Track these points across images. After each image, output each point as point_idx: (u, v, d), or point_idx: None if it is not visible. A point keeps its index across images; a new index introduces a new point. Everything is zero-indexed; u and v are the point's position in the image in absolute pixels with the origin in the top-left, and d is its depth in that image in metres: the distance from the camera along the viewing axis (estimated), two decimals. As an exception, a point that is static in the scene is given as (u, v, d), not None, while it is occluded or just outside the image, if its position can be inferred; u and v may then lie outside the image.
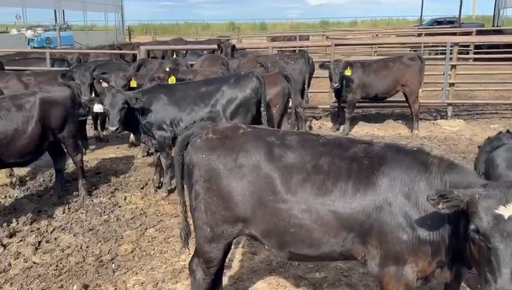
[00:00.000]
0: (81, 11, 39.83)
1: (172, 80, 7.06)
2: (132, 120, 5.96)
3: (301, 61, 8.86)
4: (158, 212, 5.70)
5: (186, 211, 3.32)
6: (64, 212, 5.68)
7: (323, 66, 9.09)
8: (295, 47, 16.49)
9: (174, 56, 11.19)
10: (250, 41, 28.32)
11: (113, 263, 4.50)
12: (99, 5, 41.34)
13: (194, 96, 6.06)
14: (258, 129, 3.29)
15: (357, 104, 9.64)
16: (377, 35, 26.49)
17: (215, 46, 11.32)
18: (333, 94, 10.09)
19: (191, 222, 3.25)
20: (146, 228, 5.26)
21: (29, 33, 28.82)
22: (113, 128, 5.77)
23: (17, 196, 6.24)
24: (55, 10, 37.65)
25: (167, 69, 7.09)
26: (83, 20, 41.37)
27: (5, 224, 5.29)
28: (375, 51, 20.02)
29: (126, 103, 5.70)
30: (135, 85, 7.16)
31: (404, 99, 9.61)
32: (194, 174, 3.01)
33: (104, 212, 5.70)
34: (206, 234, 3.04)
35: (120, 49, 15.74)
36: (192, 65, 9.38)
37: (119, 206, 5.90)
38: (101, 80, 7.55)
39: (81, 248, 4.79)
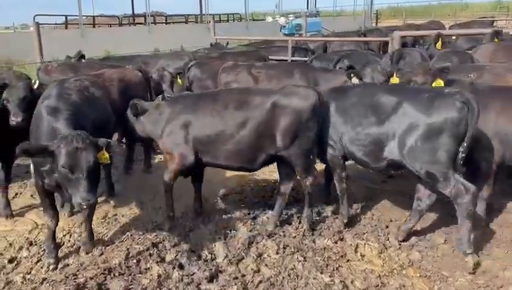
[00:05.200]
0: (331, -3, 39.93)
1: (439, 82, 4.83)
2: None
3: None
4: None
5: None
6: (277, 253, 4.36)
7: None
8: None
9: (438, 44, 8.51)
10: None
11: None
12: (349, -11, 40.62)
13: (368, 104, 4.31)
14: None
15: None
16: None
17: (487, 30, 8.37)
18: None
19: None
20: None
21: (282, 20, 30.11)
22: None
23: (233, 213, 5.29)
24: (307, -3, 38.71)
25: (432, 69, 4.82)
26: (332, 6, 41.60)
27: (209, 256, 4.31)
28: None
29: None
30: (397, 82, 5.21)
31: None
32: None
33: (327, 266, 4.11)
34: None
35: (364, 36, 13.96)
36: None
37: (347, 261, 4.22)
38: (352, 75, 5.88)
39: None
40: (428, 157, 3.97)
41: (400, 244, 4.43)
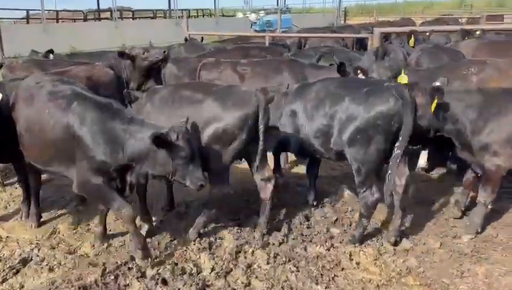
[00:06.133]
0: (301, -6, 39.93)
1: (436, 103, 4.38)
2: None
3: None
4: (405, 302, 3.56)
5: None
6: (268, 263, 4.08)
7: None
8: None
9: (411, 41, 8.60)
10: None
11: None
12: (318, -13, 40.77)
13: (322, 98, 4.35)
14: None
15: None
16: None
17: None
18: None
19: None
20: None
21: (252, 16, 29.86)
22: None
23: (217, 219, 4.96)
24: (277, -6, 38.49)
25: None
26: (301, 3, 41.63)
27: (195, 269, 3.99)
28: None
29: None
30: (406, 81, 4.91)
31: None
32: None
33: (322, 276, 3.86)
34: None
35: (334, 32, 13.93)
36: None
37: (342, 269, 3.99)
38: (358, 71, 5.61)
39: None
40: (363, 148, 4.02)
41: (394, 249, 4.24)
